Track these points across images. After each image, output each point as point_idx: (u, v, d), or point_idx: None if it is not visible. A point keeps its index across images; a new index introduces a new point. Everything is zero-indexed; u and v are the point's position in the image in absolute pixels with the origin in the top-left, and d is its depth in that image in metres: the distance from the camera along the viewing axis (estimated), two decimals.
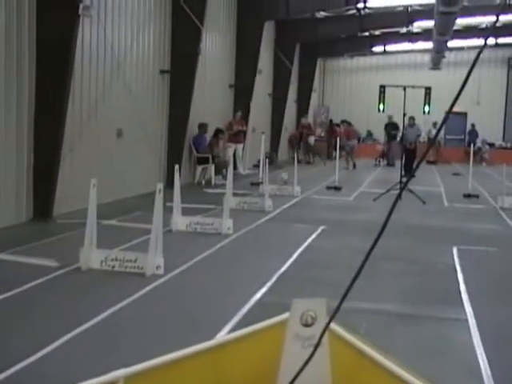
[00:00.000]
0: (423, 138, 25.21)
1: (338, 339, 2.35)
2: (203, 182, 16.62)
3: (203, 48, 16.56)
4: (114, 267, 6.96)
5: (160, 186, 6.92)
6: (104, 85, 12.29)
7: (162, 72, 15.04)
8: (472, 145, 19.30)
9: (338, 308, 1.91)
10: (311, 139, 27.44)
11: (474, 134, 30.94)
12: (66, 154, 10.58)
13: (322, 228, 10.28)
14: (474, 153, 19.25)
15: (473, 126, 31.45)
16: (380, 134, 28.88)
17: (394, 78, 25.80)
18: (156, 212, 6.89)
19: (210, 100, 18.42)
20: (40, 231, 9.30)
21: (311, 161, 26.73)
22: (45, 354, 4.54)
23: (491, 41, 28.66)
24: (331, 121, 30.50)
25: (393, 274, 7.47)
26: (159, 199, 6.89)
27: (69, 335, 4.92)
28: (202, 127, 17.20)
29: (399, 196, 2.12)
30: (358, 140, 29.38)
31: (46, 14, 9.91)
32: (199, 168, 16.94)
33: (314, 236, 9.64)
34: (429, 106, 15.54)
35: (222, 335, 4.70)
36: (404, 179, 15.32)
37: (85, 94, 11.58)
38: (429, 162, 27.89)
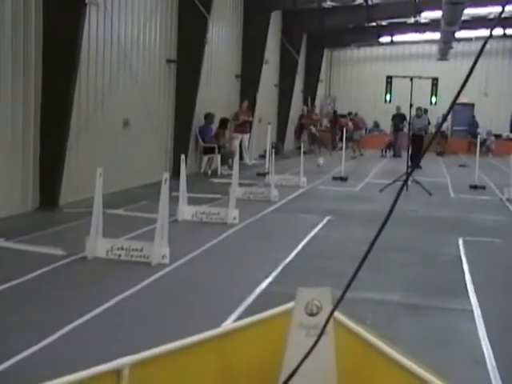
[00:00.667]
0: (430, 129, 25.15)
1: (343, 329, 2.35)
2: (209, 172, 16.63)
3: (210, 38, 16.52)
4: (120, 256, 6.97)
5: (166, 175, 6.94)
6: (111, 75, 12.28)
7: (169, 62, 15.02)
8: (476, 136, 19.19)
9: (342, 297, 1.90)
10: (313, 129, 27.30)
11: (474, 125, 30.85)
12: (72, 143, 10.61)
13: (327, 218, 10.27)
14: (480, 144, 19.13)
15: (473, 117, 31.38)
16: (387, 125, 28.69)
17: (401, 69, 25.68)
18: (162, 201, 6.90)
19: (217, 90, 18.40)
20: (46, 220, 9.32)
21: (317, 151, 26.63)
22: (47, 344, 4.54)
23: (499, 31, 28.48)
24: (335, 111, 30.44)
25: (398, 265, 7.46)
26: (165, 189, 6.90)
27: (72, 324, 4.92)
28: (209, 117, 17.17)
29: (404, 185, 2.12)
30: (365, 130, 29.39)
31: (53, 3, 9.88)
32: (205, 158, 16.94)
33: (319, 226, 9.63)
34: (436, 96, 15.52)
35: (227, 324, 4.71)
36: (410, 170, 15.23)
37: (91, 84, 11.58)
38: (437, 154, 27.89)
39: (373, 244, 1.82)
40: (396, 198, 1.85)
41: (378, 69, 31.56)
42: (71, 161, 10.63)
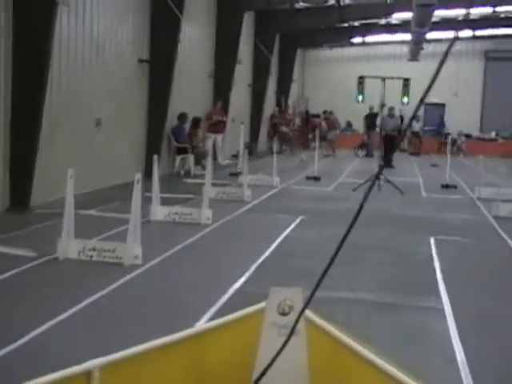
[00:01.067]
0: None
1: (315, 328, 2.36)
2: (182, 172, 16.57)
3: (183, 38, 16.43)
4: (92, 257, 6.91)
5: (138, 176, 6.89)
6: (83, 75, 12.17)
7: (141, 61, 14.94)
8: (445, 136, 19.35)
9: (312, 296, 1.92)
10: (284, 129, 27.15)
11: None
12: (43, 143, 10.48)
13: (301, 218, 10.30)
14: (451, 144, 19.32)
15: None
16: (360, 125, 28.89)
17: (373, 69, 25.79)
18: (134, 202, 6.87)
19: (190, 90, 18.28)
20: (17, 221, 9.20)
21: (287, 151, 26.32)
22: (18, 346, 4.48)
23: (468, 33, 28.82)
24: (307, 111, 30.52)
25: (371, 264, 7.50)
26: (137, 189, 6.86)
27: (42, 327, 4.87)
28: (182, 117, 17.09)
29: (374, 184, 2.16)
30: (339, 130, 29.50)
31: (23, 3, 9.74)
32: (178, 158, 16.86)
33: (293, 226, 9.66)
34: (407, 97, 15.63)
35: (200, 324, 4.70)
36: (384, 170, 15.29)
37: (63, 83, 11.44)
38: (411, 154, 28.08)
39: (342, 242, 1.84)
40: (365, 196, 1.88)
41: (350, 69, 31.65)
42: (43, 161, 10.49)
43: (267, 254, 7.73)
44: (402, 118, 24.71)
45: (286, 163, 19.00)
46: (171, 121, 16.67)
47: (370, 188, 2.06)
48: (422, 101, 2.04)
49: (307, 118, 29.54)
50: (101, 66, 12.91)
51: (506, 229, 9.84)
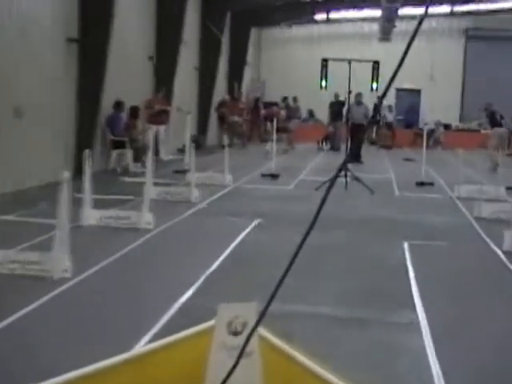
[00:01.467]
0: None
1: (270, 348, 2.37)
2: (119, 170, 16.50)
3: (118, 14, 16.31)
4: (13, 270, 6.80)
5: (66, 174, 6.80)
6: (2, 54, 11.98)
7: (70, 41, 14.77)
8: (421, 127, 19.49)
9: (265, 311, 1.92)
10: (236, 119, 26.88)
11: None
12: None
13: (256, 221, 10.32)
14: (428, 136, 19.60)
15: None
16: (324, 115, 29.01)
17: (338, 51, 26.02)
18: (61, 205, 6.79)
19: (127, 74, 18.16)
20: None
21: (237, 144, 26.17)
22: None
23: (446, 9, 29.25)
24: (258, 99, 30.44)
25: (336, 272, 7.52)
26: (65, 190, 6.78)
27: None
28: (118, 106, 16.99)
29: (335, 180, 2.19)
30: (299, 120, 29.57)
31: None
32: (114, 153, 16.77)
33: (247, 230, 9.67)
34: (377, 82, 15.75)
35: (142, 346, 4.67)
36: (350, 165, 15.39)
37: None
38: (383, 147, 28.34)
39: (299, 248, 1.84)
40: (325, 195, 1.89)
41: (313, 51, 31.87)
42: None
43: (218, 262, 7.70)
44: (375, 106, 24.89)
45: (240, 158, 18.98)
46: (106, 110, 16.52)
47: (331, 185, 2.07)
48: (389, 84, 2.08)
49: (256, 106, 29.40)
50: (22, 45, 12.71)
51: (488, 232, 9.91)
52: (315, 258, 7.22)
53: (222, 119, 27.02)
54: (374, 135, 30.00)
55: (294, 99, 29.21)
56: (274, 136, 18.15)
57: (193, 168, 12.89)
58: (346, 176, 14.20)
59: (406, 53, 1.91)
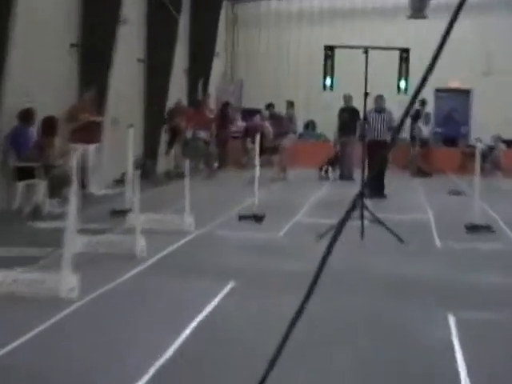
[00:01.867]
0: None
1: None
2: (28, 210, 15.20)
3: None
4: None
5: None
6: None
7: None
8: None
9: None
10: (202, 135, 24.38)
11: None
12: None
13: (229, 286, 9.55)
14: (483, 157, 17.88)
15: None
16: (329, 127, 26.06)
17: (349, 34, 24.46)
18: None
19: (41, 71, 16.45)
20: None
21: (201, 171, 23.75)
22: None
23: None
24: (226, 104, 27.21)
25: (343, 362, 6.92)
26: None
27: None
28: (26, 116, 15.54)
29: (345, 223, 2.59)
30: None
31: None
32: (21, 185, 15.34)
33: (216, 300, 8.88)
34: (406, 80, 14.55)
35: None
36: (367, 201, 14.19)
37: None
38: (418, 174, 25.79)
39: (294, 323, 2.25)
40: (329, 245, 2.42)
41: (310, 34, 28.62)
42: None
43: (167, 356, 6.78)
44: (406, 114, 22.65)
45: (207, 192, 18.18)
46: (8, 122, 15.18)
47: (338, 231, 2.25)
48: (424, 81, 2.36)
49: (224, 115, 26.04)
50: None
51: None
52: (322, 342, 7.10)
53: (174, 134, 24.05)
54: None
55: (290, 104, 25.86)
56: (257, 159, 16.94)
57: (137, 207, 11.98)
58: (362, 218, 12.94)
59: (446, 35, 2.05)
